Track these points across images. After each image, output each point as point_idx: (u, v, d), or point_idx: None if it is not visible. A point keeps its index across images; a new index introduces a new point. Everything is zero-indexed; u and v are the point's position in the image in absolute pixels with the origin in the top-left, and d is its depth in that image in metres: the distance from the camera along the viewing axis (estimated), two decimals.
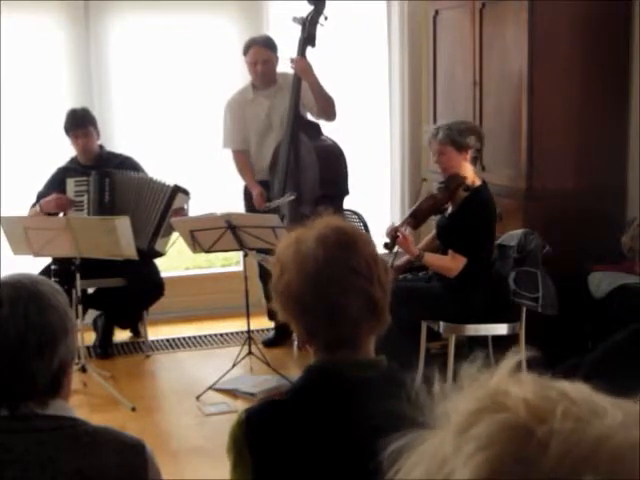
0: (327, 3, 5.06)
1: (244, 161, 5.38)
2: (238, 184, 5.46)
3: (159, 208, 5.12)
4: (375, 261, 1.67)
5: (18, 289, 1.63)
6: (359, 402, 1.57)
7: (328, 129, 5.22)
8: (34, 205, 5.15)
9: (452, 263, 4.25)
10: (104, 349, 5.33)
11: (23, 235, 4.55)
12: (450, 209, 4.37)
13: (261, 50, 5.19)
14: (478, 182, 4.34)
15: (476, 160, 4.39)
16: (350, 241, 1.66)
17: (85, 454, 1.59)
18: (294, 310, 1.67)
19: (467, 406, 0.63)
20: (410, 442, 0.64)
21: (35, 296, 1.63)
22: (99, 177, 5.17)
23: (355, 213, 5.39)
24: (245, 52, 5.24)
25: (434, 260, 4.31)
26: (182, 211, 5.13)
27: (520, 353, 0.68)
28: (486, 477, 0.58)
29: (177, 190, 5.15)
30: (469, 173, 4.31)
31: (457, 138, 4.26)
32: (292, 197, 4.97)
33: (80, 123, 5.12)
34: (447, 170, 4.32)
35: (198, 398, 4.59)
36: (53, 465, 1.56)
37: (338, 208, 5.07)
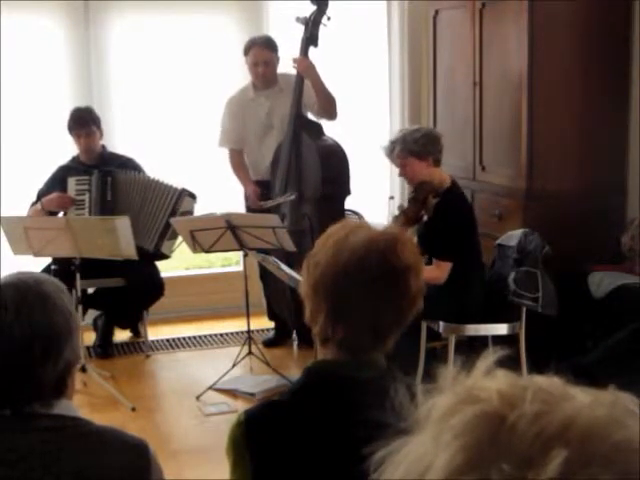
0: (329, 3, 5.06)
1: (239, 160, 5.39)
2: (238, 184, 5.46)
3: (166, 211, 5.11)
4: (407, 291, 1.64)
5: (22, 290, 1.62)
6: (357, 402, 1.57)
7: (328, 129, 5.22)
8: (35, 203, 5.15)
9: (437, 272, 4.22)
10: (104, 349, 5.33)
11: (23, 235, 4.55)
12: (425, 217, 4.34)
13: (262, 51, 5.19)
14: (447, 182, 4.31)
15: (439, 162, 4.34)
16: (392, 260, 1.63)
17: (88, 454, 1.59)
18: (308, 288, 1.67)
19: (445, 402, 0.66)
20: (395, 447, 0.67)
21: (40, 297, 1.62)
22: (101, 176, 5.17)
23: (355, 213, 5.39)
24: (246, 53, 5.24)
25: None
26: (189, 214, 5.13)
27: (501, 353, 0.71)
28: (462, 463, 0.61)
29: (185, 194, 5.15)
30: (436, 176, 4.27)
31: (414, 147, 4.24)
32: (292, 197, 4.97)
33: (83, 122, 5.12)
34: (413, 180, 4.30)
35: (198, 398, 4.59)
36: (56, 464, 1.56)
37: (339, 208, 5.07)
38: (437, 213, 4.21)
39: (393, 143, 4.32)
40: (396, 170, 6.20)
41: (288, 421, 1.63)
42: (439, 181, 4.27)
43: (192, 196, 5.19)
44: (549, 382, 0.67)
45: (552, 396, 0.64)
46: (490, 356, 0.70)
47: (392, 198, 4.70)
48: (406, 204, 4.32)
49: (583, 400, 0.64)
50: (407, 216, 4.25)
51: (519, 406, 0.63)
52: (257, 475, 1.61)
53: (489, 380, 0.67)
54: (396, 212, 4.40)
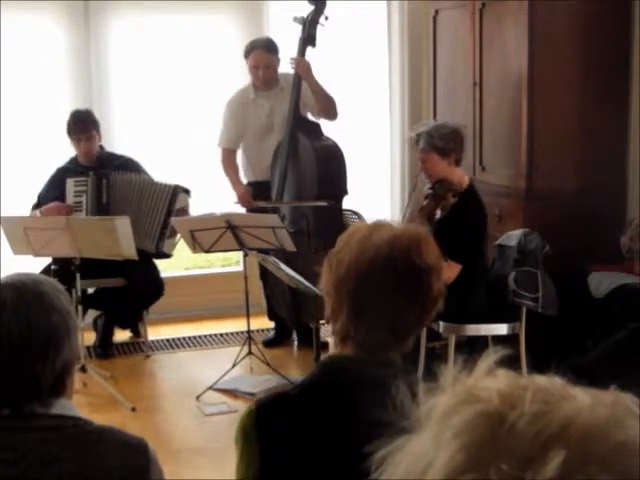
0: (327, 3, 5.06)
1: (231, 160, 5.38)
2: None
3: (162, 210, 5.12)
4: (429, 291, 1.65)
5: (20, 290, 1.62)
6: (366, 401, 1.58)
7: (328, 129, 5.22)
8: (35, 207, 5.15)
9: (447, 272, 4.22)
10: (104, 349, 5.33)
11: (23, 235, 4.55)
12: (439, 214, 4.33)
13: (262, 55, 5.18)
14: (465, 182, 4.31)
15: (460, 161, 4.34)
16: (416, 260, 1.63)
17: (88, 453, 1.59)
18: (330, 286, 1.68)
19: (446, 401, 0.66)
20: (396, 446, 0.67)
21: (38, 297, 1.62)
22: (96, 178, 5.17)
23: (355, 213, 5.38)
24: (246, 56, 5.24)
25: None
26: (184, 210, 5.14)
27: (502, 352, 0.71)
28: (462, 462, 0.61)
29: (178, 190, 5.15)
30: (455, 175, 4.28)
31: (439, 144, 4.23)
32: (324, 204, 4.89)
33: (84, 127, 5.11)
34: (433, 176, 4.29)
35: (198, 398, 4.59)
36: (56, 464, 1.56)
37: (337, 208, 5.06)
38: (454, 213, 4.19)
39: (418, 136, 4.30)
40: (396, 170, 6.23)
41: (297, 413, 1.64)
42: (458, 181, 4.26)
43: (186, 191, 5.20)
44: (550, 382, 0.67)
45: (552, 396, 0.64)
46: (491, 356, 0.70)
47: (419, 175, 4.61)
48: (423, 200, 4.31)
49: (583, 400, 0.64)
50: (426, 211, 4.23)
51: (519, 406, 0.63)
52: (264, 465, 1.62)
53: (490, 380, 0.67)
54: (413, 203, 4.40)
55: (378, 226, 1.69)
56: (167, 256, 5.26)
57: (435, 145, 4.22)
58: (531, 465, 0.59)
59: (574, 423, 0.61)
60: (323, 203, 4.85)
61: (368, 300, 1.64)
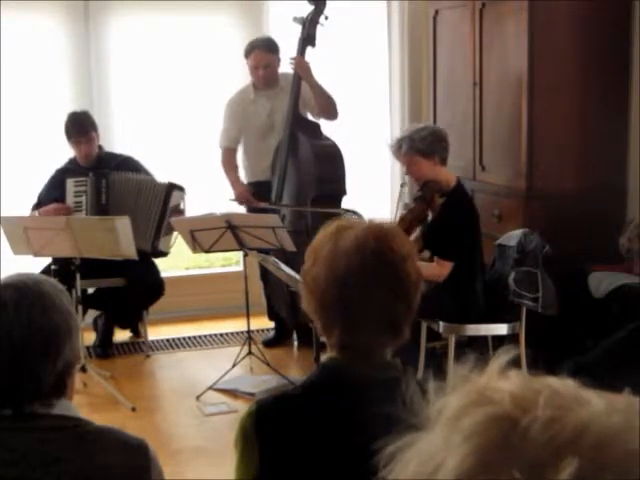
0: (327, 3, 5.06)
1: (231, 159, 5.38)
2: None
3: (157, 208, 5.13)
4: (409, 278, 1.67)
5: (21, 290, 1.62)
6: (367, 400, 1.58)
7: (328, 129, 5.22)
8: (35, 208, 5.15)
9: (438, 270, 4.22)
10: (104, 349, 5.33)
11: (23, 235, 4.55)
12: (430, 216, 4.33)
13: (262, 55, 5.18)
14: (453, 181, 4.31)
15: (445, 160, 4.33)
16: (388, 255, 1.65)
17: (88, 454, 1.59)
18: (315, 304, 1.68)
19: (457, 402, 0.65)
20: (405, 443, 0.66)
21: (39, 297, 1.62)
22: (96, 179, 5.18)
23: (355, 213, 5.37)
24: (246, 55, 5.24)
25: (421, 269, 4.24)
26: (179, 208, 5.14)
27: (514, 352, 0.70)
28: (472, 466, 0.60)
29: (172, 187, 5.15)
30: (442, 175, 4.28)
31: (421, 146, 4.23)
32: (340, 211, 4.85)
33: (83, 130, 5.11)
34: (420, 179, 4.30)
35: (198, 398, 4.59)
36: (56, 464, 1.56)
37: (336, 208, 5.06)
38: (442, 213, 4.20)
39: (400, 141, 4.30)
40: (396, 170, 6.23)
41: (298, 414, 1.65)
42: (445, 180, 4.26)
43: (180, 189, 5.20)
44: (563, 385, 0.65)
45: (566, 400, 0.63)
46: (503, 355, 0.69)
47: (403, 185, 4.66)
48: (412, 203, 4.31)
49: (597, 405, 0.62)
50: (414, 215, 4.24)
51: (532, 410, 0.61)
52: (263, 465, 1.62)
53: (502, 381, 0.65)
54: (402, 209, 4.40)
55: (339, 234, 1.68)
56: (164, 254, 5.26)
57: (418, 148, 4.23)
58: (544, 472, 0.58)
59: (588, 429, 0.60)
60: (339, 210, 4.82)
61: (355, 307, 1.64)
